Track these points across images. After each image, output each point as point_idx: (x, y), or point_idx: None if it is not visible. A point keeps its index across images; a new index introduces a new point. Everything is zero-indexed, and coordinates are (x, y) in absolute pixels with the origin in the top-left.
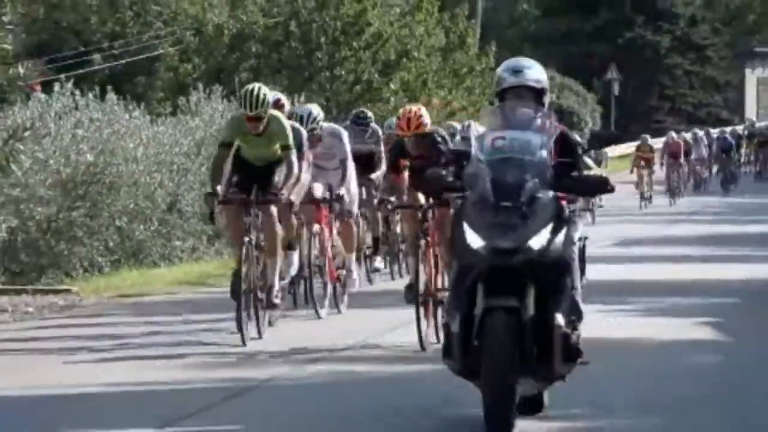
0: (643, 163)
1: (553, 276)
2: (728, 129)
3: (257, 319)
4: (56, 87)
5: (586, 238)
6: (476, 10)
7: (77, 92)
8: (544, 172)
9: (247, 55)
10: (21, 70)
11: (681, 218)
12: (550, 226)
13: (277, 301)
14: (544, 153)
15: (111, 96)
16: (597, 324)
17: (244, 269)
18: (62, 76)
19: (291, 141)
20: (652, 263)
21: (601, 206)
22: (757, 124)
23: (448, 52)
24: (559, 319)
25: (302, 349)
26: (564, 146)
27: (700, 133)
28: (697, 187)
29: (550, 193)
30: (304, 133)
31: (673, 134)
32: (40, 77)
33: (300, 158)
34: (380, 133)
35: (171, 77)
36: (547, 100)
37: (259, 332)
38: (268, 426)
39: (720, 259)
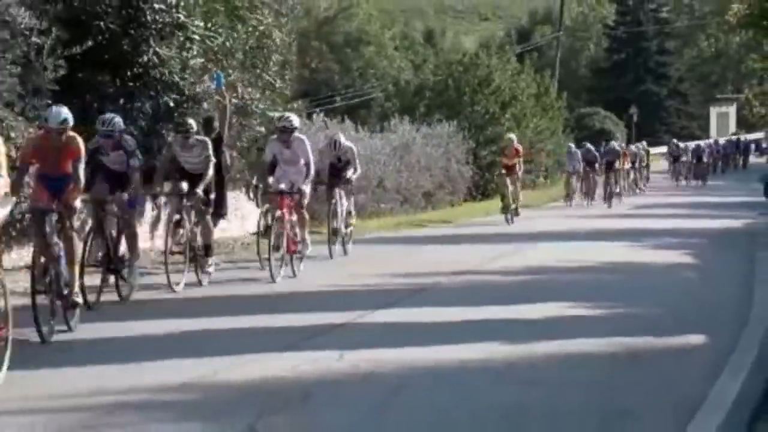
0: (504, 171)
1: None
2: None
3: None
4: (314, 116)
5: None
6: (555, 73)
7: (326, 119)
8: None
9: (423, 98)
10: (294, 107)
11: (677, 193)
12: None
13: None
14: None
15: (346, 121)
16: (625, 253)
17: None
18: (317, 110)
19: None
20: (656, 218)
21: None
22: (721, 141)
23: (538, 96)
24: None
25: (447, 266)
26: None
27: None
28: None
29: None
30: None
31: (612, 143)
32: (304, 110)
33: None
34: (354, 150)
35: (380, 110)
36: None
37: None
38: (445, 310)
39: (695, 216)
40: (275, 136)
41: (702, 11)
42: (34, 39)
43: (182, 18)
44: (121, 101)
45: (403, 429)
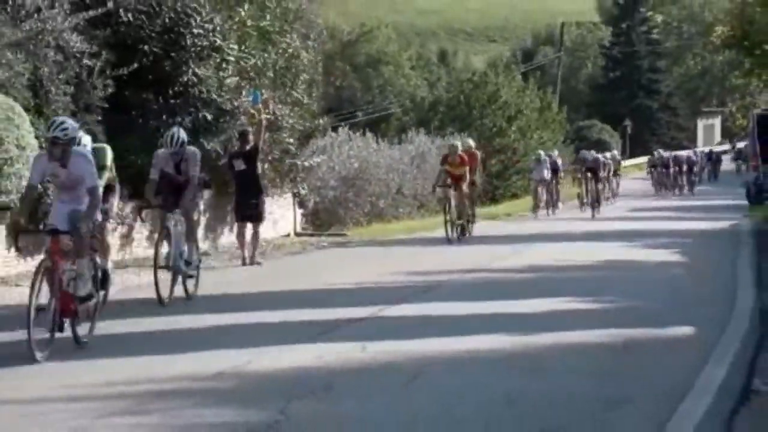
0: (449, 181)
1: None
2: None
3: None
4: (339, 129)
5: None
6: (556, 89)
7: (350, 132)
8: None
9: (437, 112)
10: (321, 121)
11: (665, 197)
12: None
13: None
14: None
15: (367, 134)
16: (621, 252)
17: None
18: (342, 124)
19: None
20: (646, 220)
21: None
22: (698, 150)
23: (541, 111)
24: None
25: (456, 265)
26: None
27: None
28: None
29: None
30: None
31: (593, 153)
32: (330, 125)
33: None
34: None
35: (398, 124)
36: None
37: None
38: (455, 305)
39: (682, 218)
40: (43, 152)
41: (689, 33)
42: (85, 61)
43: (218, 41)
44: (164, 117)
45: (418, 414)
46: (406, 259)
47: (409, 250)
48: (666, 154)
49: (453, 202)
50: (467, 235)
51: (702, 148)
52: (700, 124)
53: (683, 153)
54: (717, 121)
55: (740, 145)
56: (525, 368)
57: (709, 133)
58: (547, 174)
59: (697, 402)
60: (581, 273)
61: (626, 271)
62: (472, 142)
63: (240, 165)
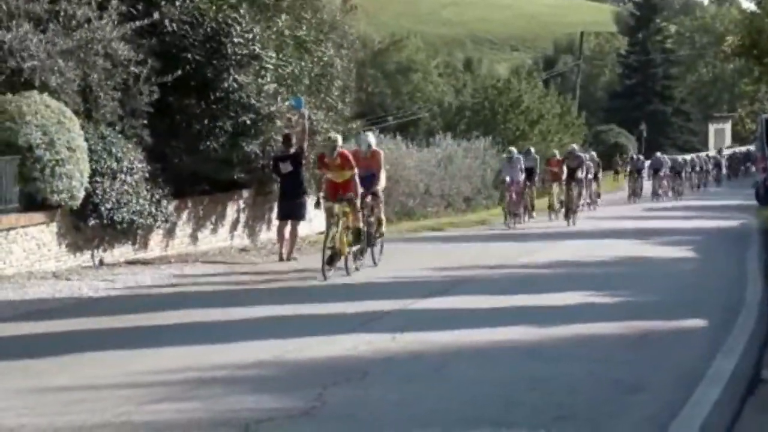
0: (328, 192)
1: None
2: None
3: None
4: (369, 133)
5: None
6: (576, 95)
7: (381, 135)
8: None
9: (463, 117)
10: (354, 126)
11: (677, 199)
12: None
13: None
14: None
15: (397, 137)
16: (637, 248)
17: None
18: (373, 128)
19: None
20: (661, 219)
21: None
22: (701, 154)
23: (561, 116)
24: None
25: (482, 261)
26: None
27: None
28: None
29: None
30: None
31: (574, 146)
32: (362, 128)
33: None
34: None
35: (426, 128)
36: None
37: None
38: (481, 298)
39: (694, 217)
40: None
41: (701, 42)
42: (132, 68)
43: (257, 50)
44: (206, 121)
45: (446, 400)
46: (433, 254)
47: (437, 246)
48: (668, 157)
49: (339, 221)
50: (359, 265)
51: (701, 153)
52: (711, 128)
53: (662, 156)
54: (727, 126)
55: (727, 152)
56: (545, 357)
57: (719, 137)
58: (520, 175)
59: (708, 390)
60: (599, 269)
61: (641, 267)
62: (372, 139)
63: (287, 167)
